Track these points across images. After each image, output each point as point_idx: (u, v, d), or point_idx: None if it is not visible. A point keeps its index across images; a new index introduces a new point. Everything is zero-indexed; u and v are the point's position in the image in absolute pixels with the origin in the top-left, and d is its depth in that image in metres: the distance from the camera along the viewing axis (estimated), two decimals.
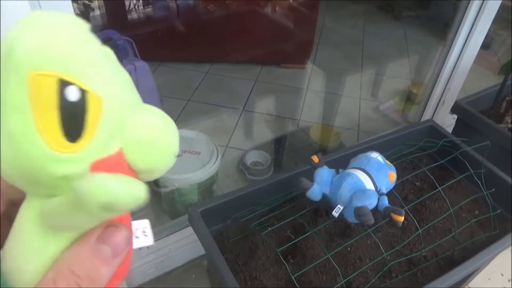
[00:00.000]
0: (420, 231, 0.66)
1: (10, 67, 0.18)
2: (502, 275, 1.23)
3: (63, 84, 0.19)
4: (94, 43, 0.22)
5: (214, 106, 1.77)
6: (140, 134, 0.23)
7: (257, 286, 0.65)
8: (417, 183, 0.87)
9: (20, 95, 0.18)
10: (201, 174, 1.12)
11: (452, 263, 0.71)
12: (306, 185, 0.60)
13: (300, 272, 0.62)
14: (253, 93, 1.86)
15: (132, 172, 0.24)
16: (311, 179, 0.63)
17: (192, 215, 0.69)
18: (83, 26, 0.21)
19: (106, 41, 1.47)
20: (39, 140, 0.19)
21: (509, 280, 1.21)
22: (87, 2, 1.84)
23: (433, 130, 0.95)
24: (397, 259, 0.71)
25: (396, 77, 2.13)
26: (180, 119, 1.65)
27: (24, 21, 0.19)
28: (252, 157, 1.47)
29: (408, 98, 1.87)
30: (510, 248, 1.27)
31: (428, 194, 0.76)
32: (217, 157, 1.17)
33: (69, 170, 0.20)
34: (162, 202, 1.25)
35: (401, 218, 0.56)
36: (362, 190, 0.58)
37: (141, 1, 1.91)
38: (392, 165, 0.65)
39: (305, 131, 1.67)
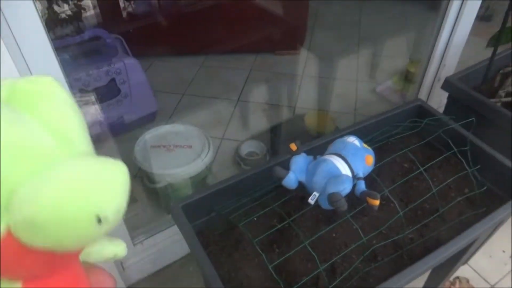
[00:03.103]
0: (401, 213, 0.65)
1: None
2: (504, 251, 1.21)
3: None
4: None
5: (209, 98, 1.76)
6: (29, 210, 0.19)
7: (240, 277, 0.66)
8: (405, 165, 0.86)
9: None
10: (193, 168, 1.12)
11: (439, 243, 0.70)
12: (281, 174, 0.59)
13: (277, 261, 0.62)
14: (248, 83, 1.85)
15: (30, 252, 0.20)
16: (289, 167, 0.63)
17: (174, 210, 0.70)
18: None
19: (94, 40, 1.47)
20: None
21: (510, 257, 1.20)
22: (78, 2, 1.84)
23: (422, 109, 0.93)
24: (382, 242, 0.71)
25: (394, 56, 2.09)
26: (175, 114, 1.66)
27: None
28: (247, 148, 1.47)
29: (406, 77, 1.84)
30: (510, 224, 1.26)
31: (411, 175, 0.75)
32: (209, 150, 1.17)
33: None
34: (159, 198, 1.27)
35: (377, 202, 0.55)
36: (336, 176, 0.57)
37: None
38: (370, 149, 0.64)
39: (301, 117, 1.65)
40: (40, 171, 0.20)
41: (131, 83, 1.42)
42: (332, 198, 0.54)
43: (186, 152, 1.17)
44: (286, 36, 2.00)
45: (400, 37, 2.21)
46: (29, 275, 0.23)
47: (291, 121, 1.67)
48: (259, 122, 1.65)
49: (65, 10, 1.83)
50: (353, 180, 0.60)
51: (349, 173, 0.60)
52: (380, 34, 2.23)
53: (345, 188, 0.56)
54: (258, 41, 1.96)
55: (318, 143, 0.82)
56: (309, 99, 1.77)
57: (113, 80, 1.41)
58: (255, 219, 0.76)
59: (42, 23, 0.60)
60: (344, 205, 0.54)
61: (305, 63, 1.99)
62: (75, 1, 1.83)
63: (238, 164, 1.42)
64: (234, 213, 0.76)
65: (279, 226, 0.67)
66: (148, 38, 1.89)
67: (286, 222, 0.66)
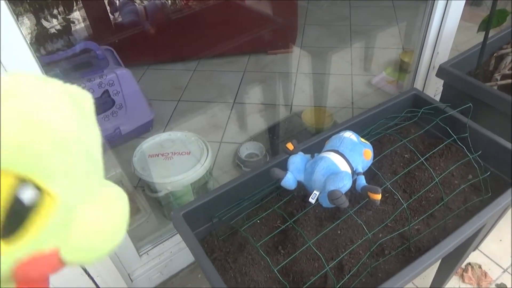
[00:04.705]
0: (405, 204, 0.64)
1: None
2: None
3: (19, 183, 0.16)
4: (65, 113, 0.19)
5: (205, 102, 1.75)
6: (85, 237, 0.20)
7: (247, 282, 0.65)
8: (406, 155, 0.85)
9: None
10: (192, 174, 1.11)
11: (446, 233, 0.69)
12: (279, 175, 0.58)
13: (283, 263, 0.61)
14: (243, 84, 1.84)
15: (60, 263, 0.21)
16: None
17: (175, 219, 0.69)
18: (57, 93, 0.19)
19: (84, 52, 1.46)
20: None
21: None
22: (66, 16, 1.84)
23: (418, 98, 0.92)
24: (388, 236, 0.70)
25: (387, 47, 2.08)
26: (172, 121, 1.65)
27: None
28: (246, 150, 1.46)
29: (401, 67, 1.83)
30: None
31: (413, 165, 0.74)
32: (207, 155, 1.16)
33: None
34: (162, 207, 1.26)
35: (378, 197, 0.55)
36: (335, 173, 0.56)
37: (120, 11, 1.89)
38: (368, 143, 0.63)
39: (299, 115, 1.65)
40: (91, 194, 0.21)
41: (125, 94, 1.41)
42: (332, 195, 0.53)
43: (185, 159, 1.16)
44: (277, 35, 1.99)
45: (391, 28, 2.20)
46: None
47: (288, 120, 1.66)
48: (257, 123, 1.64)
49: (54, 25, 1.82)
50: (353, 176, 0.59)
51: (348, 169, 0.59)
52: (371, 27, 2.23)
53: (345, 185, 0.55)
54: (250, 42, 1.95)
55: (316, 141, 0.81)
56: (305, 96, 1.76)
57: (106, 91, 1.40)
58: (258, 221, 0.75)
59: (27, 42, 0.59)
60: (344, 202, 0.53)
61: (299, 61, 1.98)
62: (63, 15, 1.82)
63: (238, 167, 1.41)
64: (236, 217, 0.75)
65: (282, 227, 0.66)
66: (138, 47, 1.89)
67: (288, 223, 0.65)
